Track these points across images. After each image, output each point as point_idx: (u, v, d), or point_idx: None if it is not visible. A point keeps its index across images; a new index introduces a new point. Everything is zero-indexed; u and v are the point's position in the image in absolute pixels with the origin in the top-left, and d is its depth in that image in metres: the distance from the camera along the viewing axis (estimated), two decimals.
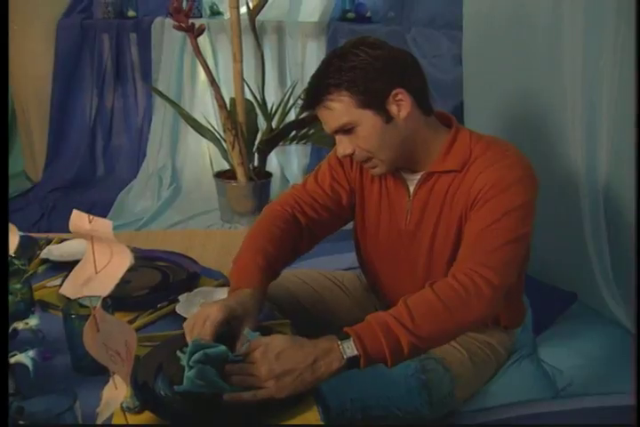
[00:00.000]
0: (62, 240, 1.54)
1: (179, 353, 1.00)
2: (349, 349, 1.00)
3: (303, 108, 1.28)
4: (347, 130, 1.20)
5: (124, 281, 1.11)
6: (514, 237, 1.15)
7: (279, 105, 3.11)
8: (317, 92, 1.19)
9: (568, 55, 1.71)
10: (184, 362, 0.97)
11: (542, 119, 1.87)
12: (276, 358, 0.97)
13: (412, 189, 1.30)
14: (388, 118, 1.19)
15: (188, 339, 1.04)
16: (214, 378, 0.96)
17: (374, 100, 1.17)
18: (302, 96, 1.27)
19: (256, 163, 3.08)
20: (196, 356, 0.96)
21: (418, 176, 1.28)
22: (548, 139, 1.87)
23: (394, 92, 1.18)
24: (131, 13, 3.44)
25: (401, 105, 1.19)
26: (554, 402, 1.46)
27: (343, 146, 1.22)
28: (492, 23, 1.91)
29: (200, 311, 1.07)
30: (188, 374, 0.95)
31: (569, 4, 1.68)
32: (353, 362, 1.00)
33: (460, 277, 1.09)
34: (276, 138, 2.99)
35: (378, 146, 1.21)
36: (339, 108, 1.18)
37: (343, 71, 1.16)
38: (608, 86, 1.66)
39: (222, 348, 0.99)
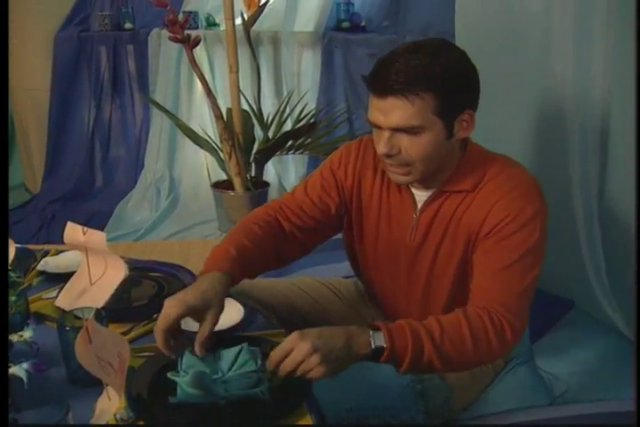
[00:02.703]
0: (59, 252, 1.55)
1: (171, 375, 1.00)
2: (379, 339, 1.02)
3: (375, 88, 1.13)
4: (409, 131, 1.12)
5: (121, 292, 1.12)
6: (533, 276, 1.15)
7: (275, 115, 3.12)
8: (407, 77, 1.08)
9: (559, 62, 1.72)
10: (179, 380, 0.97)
11: (536, 125, 1.88)
12: (318, 335, 0.99)
13: (419, 205, 1.26)
14: (449, 135, 1.15)
15: (157, 336, 1.03)
16: (209, 383, 0.96)
17: (450, 114, 1.13)
18: (378, 75, 1.12)
19: (253, 173, 3.09)
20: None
21: (428, 193, 1.25)
22: (542, 146, 1.87)
23: (466, 111, 1.15)
24: (128, 25, 3.46)
25: (463, 126, 1.16)
26: (550, 409, 1.46)
27: (391, 144, 1.14)
28: (484, 31, 1.93)
29: (163, 308, 1.05)
30: (181, 380, 0.95)
31: (559, 11, 1.69)
32: (376, 354, 1.02)
33: (492, 315, 1.09)
34: (272, 148, 3.01)
35: (428, 157, 1.15)
36: (418, 106, 1.09)
37: (440, 68, 1.09)
38: (600, 92, 1.67)
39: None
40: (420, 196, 1.26)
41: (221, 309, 1.09)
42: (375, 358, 1.03)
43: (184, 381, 0.96)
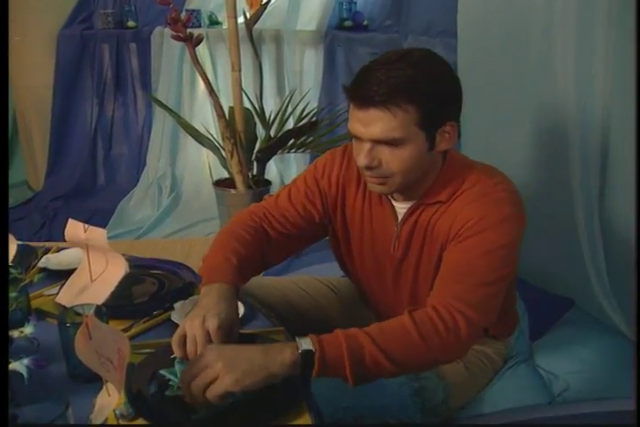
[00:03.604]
0: (60, 249, 1.56)
1: (164, 373, 1.01)
2: (305, 343, 0.97)
3: (356, 98, 1.10)
4: (390, 143, 1.10)
5: (122, 289, 1.12)
6: (495, 277, 1.12)
7: (277, 113, 3.12)
8: (389, 88, 1.06)
9: (561, 61, 1.72)
10: (178, 383, 0.98)
11: (537, 125, 1.88)
12: (231, 350, 0.96)
13: (400, 217, 1.25)
14: (431, 147, 1.13)
15: (178, 354, 1.02)
16: None
17: (432, 126, 1.11)
18: (359, 85, 1.09)
19: (255, 171, 3.09)
20: None
21: (407, 205, 1.24)
22: (543, 146, 1.88)
23: (448, 123, 1.13)
24: (130, 24, 3.47)
25: (445, 138, 1.14)
26: (550, 408, 1.46)
27: (371, 157, 1.12)
28: (486, 30, 1.93)
29: (191, 328, 1.03)
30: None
31: (561, 8, 1.69)
32: (307, 357, 0.96)
33: (441, 312, 1.06)
34: (274, 146, 3.01)
35: (408, 169, 1.13)
36: (400, 118, 1.07)
37: (423, 80, 1.08)
38: (601, 90, 1.67)
39: None
40: (400, 208, 1.25)
41: (236, 315, 1.10)
42: (306, 367, 0.96)
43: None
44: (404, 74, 1.06)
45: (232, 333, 1.06)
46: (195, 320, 1.04)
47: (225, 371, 0.92)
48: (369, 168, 1.13)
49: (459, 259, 1.13)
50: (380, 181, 1.16)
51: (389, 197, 1.25)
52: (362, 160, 1.12)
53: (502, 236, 1.13)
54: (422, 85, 1.07)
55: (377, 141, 1.10)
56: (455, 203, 1.18)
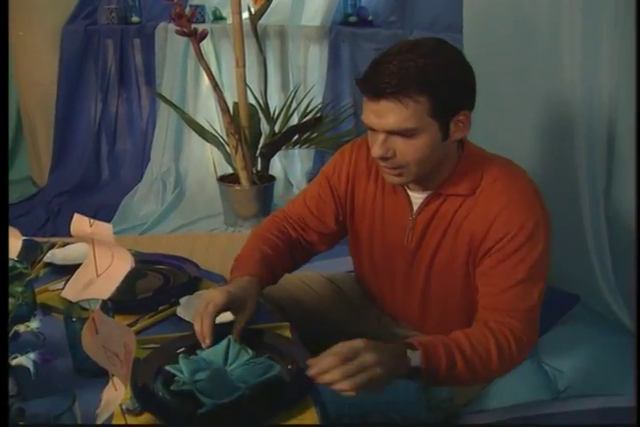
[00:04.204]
0: (65, 244, 1.56)
1: (170, 369, 1.01)
2: (415, 360, 1.03)
3: (368, 91, 1.10)
4: (403, 134, 1.11)
5: (127, 285, 1.13)
6: (542, 287, 1.17)
7: (282, 109, 3.12)
8: (400, 79, 1.06)
9: (568, 53, 1.71)
10: (183, 379, 0.98)
11: (543, 119, 1.87)
12: (381, 351, 0.99)
13: (415, 207, 1.25)
14: (445, 136, 1.13)
15: (197, 327, 1.07)
16: (229, 378, 0.98)
17: (445, 115, 1.11)
18: (370, 78, 1.10)
19: (259, 167, 3.10)
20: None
21: (424, 195, 1.24)
22: (549, 139, 1.87)
23: (462, 112, 1.13)
24: (134, 19, 3.46)
25: (459, 127, 1.14)
26: (554, 403, 1.46)
27: (385, 147, 1.13)
28: (491, 25, 1.92)
29: (203, 297, 1.12)
30: (196, 387, 0.96)
31: (568, 4, 1.68)
32: (414, 371, 1.03)
33: (514, 331, 1.11)
34: (278, 142, 3.01)
35: (423, 159, 1.14)
36: (412, 109, 1.07)
37: (435, 70, 1.08)
38: (607, 87, 1.67)
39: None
40: (417, 198, 1.25)
41: (255, 305, 1.15)
42: (410, 376, 1.04)
43: (200, 386, 0.96)
44: (415, 64, 1.07)
45: (247, 307, 1.13)
46: (208, 293, 1.13)
47: (380, 375, 0.96)
48: (383, 159, 1.14)
49: (507, 277, 1.15)
50: (396, 172, 1.17)
51: (405, 187, 1.26)
52: (376, 151, 1.13)
53: (540, 243, 1.15)
54: (433, 75, 1.07)
55: (390, 132, 1.11)
56: (483, 199, 1.18)
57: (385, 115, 1.09)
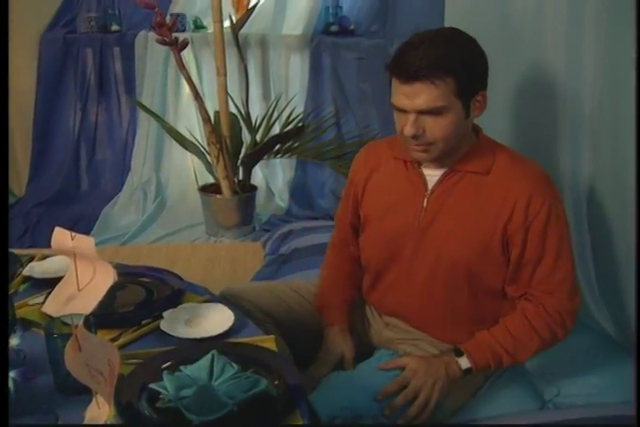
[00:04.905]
0: (45, 257, 1.53)
1: (155, 387, 0.99)
2: (465, 363, 1.29)
3: (400, 75, 1.21)
4: (433, 112, 1.21)
5: (109, 298, 1.10)
6: (571, 257, 1.33)
7: (263, 118, 3.12)
8: (431, 63, 1.18)
9: (552, 67, 1.72)
10: (168, 396, 0.96)
11: (526, 127, 1.88)
12: (425, 372, 1.25)
13: (430, 186, 1.34)
14: (467, 114, 1.25)
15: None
16: (217, 395, 0.96)
17: (468, 95, 1.23)
18: (402, 63, 1.21)
19: (241, 176, 3.08)
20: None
21: (439, 172, 1.33)
22: (532, 146, 1.88)
23: (480, 92, 1.26)
24: (114, 28, 3.44)
25: (477, 107, 1.27)
26: (541, 413, 1.46)
27: (416, 126, 1.23)
28: (473, 34, 1.93)
29: (334, 350, 1.40)
30: (182, 404, 0.94)
31: (552, 13, 1.69)
32: (466, 372, 1.29)
33: (551, 312, 1.30)
34: (260, 151, 3.00)
35: (449, 136, 1.24)
36: (442, 89, 1.19)
37: (459, 55, 1.20)
38: (590, 95, 1.67)
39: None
40: (432, 176, 1.34)
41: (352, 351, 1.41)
42: (466, 374, 1.30)
43: (186, 403, 0.94)
44: (441, 50, 1.19)
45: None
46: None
47: (434, 388, 1.25)
48: (415, 137, 1.24)
49: (549, 255, 1.29)
50: (424, 148, 1.27)
51: (418, 167, 1.35)
52: (409, 130, 1.23)
53: (564, 218, 1.31)
54: (457, 59, 1.20)
55: (422, 112, 1.21)
56: (501, 179, 1.29)
57: (417, 95, 1.20)
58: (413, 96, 1.20)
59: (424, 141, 1.25)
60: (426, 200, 1.33)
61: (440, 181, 1.32)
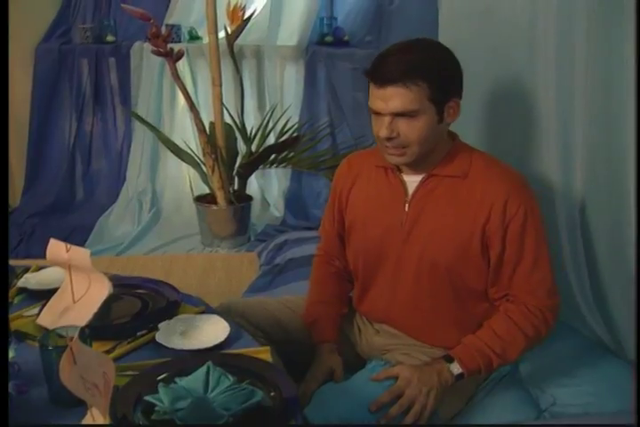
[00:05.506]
0: (40, 268, 1.52)
1: (150, 399, 0.99)
2: (456, 369, 1.30)
3: (377, 79, 1.27)
4: (407, 115, 1.25)
5: (104, 309, 1.10)
6: (548, 257, 1.36)
7: (259, 128, 3.12)
8: (405, 68, 1.23)
9: (542, 78, 1.74)
10: (164, 408, 0.96)
11: (516, 136, 1.89)
12: (418, 381, 1.26)
13: (410, 191, 1.37)
14: (440, 120, 1.29)
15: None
16: (212, 407, 0.95)
17: (441, 100, 1.27)
18: (379, 68, 1.27)
19: (236, 186, 3.09)
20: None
21: (418, 178, 1.36)
22: (523, 154, 1.88)
23: (454, 99, 1.30)
24: (109, 38, 3.45)
25: (450, 113, 1.31)
26: (537, 423, 1.45)
27: (391, 128, 1.27)
28: (468, 46, 1.94)
29: (324, 365, 1.40)
30: (178, 415, 0.94)
31: (543, 24, 1.70)
32: (458, 377, 1.30)
33: (533, 311, 1.33)
34: (255, 161, 3.00)
35: (422, 139, 1.28)
36: (415, 93, 1.24)
37: (432, 62, 1.26)
38: (582, 104, 1.68)
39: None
40: (412, 181, 1.37)
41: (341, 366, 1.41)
42: (458, 379, 1.31)
43: (181, 415, 0.94)
44: (416, 57, 1.25)
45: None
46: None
47: (428, 396, 1.26)
48: (389, 139, 1.28)
49: (527, 256, 1.32)
50: (400, 152, 1.31)
51: (398, 173, 1.39)
52: (383, 132, 1.28)
53: (539, 217, 1.34)
54: (432, 66, 1.25)
55: (396, 114, 1.26)
56: (479, 182, 1.32)
57: (392, 98, 1.25)
58: (388, 99, 1.25)
59: (399, 144, 1.29)
60: (407, 205, 1.36)
61: (419, 186, 1.36)
